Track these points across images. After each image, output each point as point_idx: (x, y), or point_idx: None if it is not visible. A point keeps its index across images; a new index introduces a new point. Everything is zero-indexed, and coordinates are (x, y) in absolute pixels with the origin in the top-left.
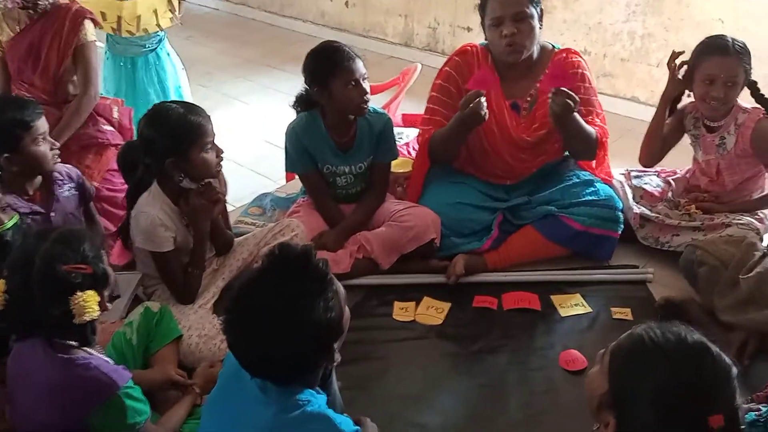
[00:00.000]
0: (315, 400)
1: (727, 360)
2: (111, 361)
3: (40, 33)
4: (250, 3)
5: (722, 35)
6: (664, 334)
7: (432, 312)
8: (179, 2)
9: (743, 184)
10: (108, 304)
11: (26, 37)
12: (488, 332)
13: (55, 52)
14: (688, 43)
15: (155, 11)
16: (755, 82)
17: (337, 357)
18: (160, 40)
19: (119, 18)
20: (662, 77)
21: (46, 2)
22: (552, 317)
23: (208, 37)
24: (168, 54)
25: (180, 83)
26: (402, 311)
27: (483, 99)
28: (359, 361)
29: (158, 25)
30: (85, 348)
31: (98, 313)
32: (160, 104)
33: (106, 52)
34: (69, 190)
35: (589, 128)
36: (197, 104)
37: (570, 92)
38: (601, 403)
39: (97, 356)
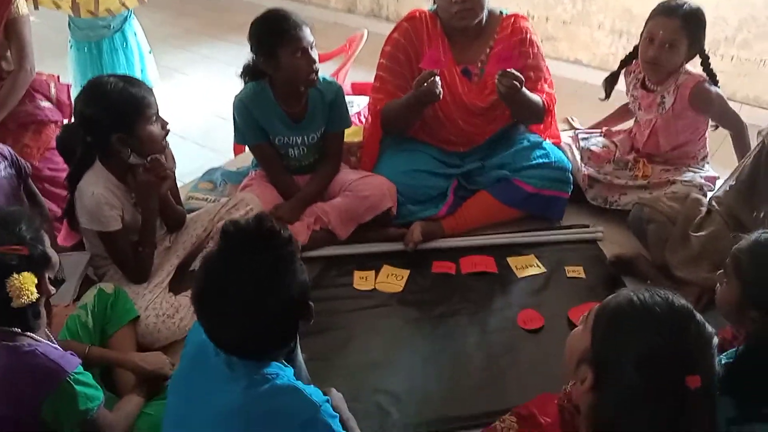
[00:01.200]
0: (283, 372)
1: (710, 327)
2: (59, 348)
3: None
4: None
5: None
6: (652, 296)
7: (392, 279)
8: None
9: (680, 148)
10: (51, 288)
11: None
12: (448, 297)
13: None
14: (629, 5)
15: None
16: (708, 56)
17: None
18: (125, 18)
19: None
20: (603, 39)
21: None
22: (509, 278)
23: (145, 6)
24: (135, 34)
25: (145, 67)
26: (362, 280)
27: (437, 78)
28: (322, 332)
29: (123, 5)
30: (30, 334)
31: (36, 296)
32: (97, 79)
33: (69, 40)
34: (4, 170)
35: (536, 98)
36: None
37: (516, 73)
38: (581, 360)
39: (44, 343)
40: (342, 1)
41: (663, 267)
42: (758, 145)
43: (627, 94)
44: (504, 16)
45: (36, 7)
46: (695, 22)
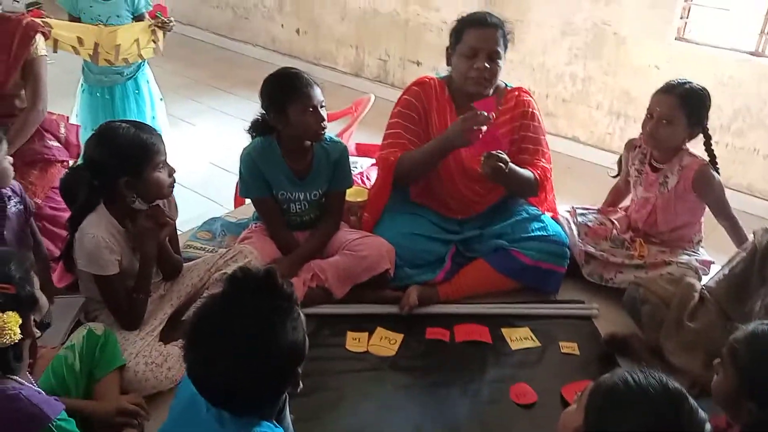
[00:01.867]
0: None
1: (702, 413)
2: (42, 392)
3: None
4: (199, 24)
5: None
6: (647, 378)
7: (385, 343)
8: (163, 34)
9: (677, 230)
10: (36, 330)
11: None
12: (441, 364)
13: (2, 66)
14: (625, 86)
15: (137, 41)
16: (710, 136)
17: (300, 383)
18: (138, 66)
19: (96, 45)
20: (601, 119)
21: None
22: (502, 350)
23: (158, 56)
24: (147, 81)
25: (156, 114)
26: (355, 342)
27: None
28: (312, 392)
29: (140, 56)
30: (14, 377)
31: (19, 337)
32: (109, 123)
33: (81, 85)
34: (15, 206)
35: (526, 174)
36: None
37: (501, 155)
38: None
39: (28, 386)
40: (350, 65)
41: (657, 349)
42: (751, 244)
43: (629, 167)
44: (508, 88)
45: (55, 50)
46: (695, 100)
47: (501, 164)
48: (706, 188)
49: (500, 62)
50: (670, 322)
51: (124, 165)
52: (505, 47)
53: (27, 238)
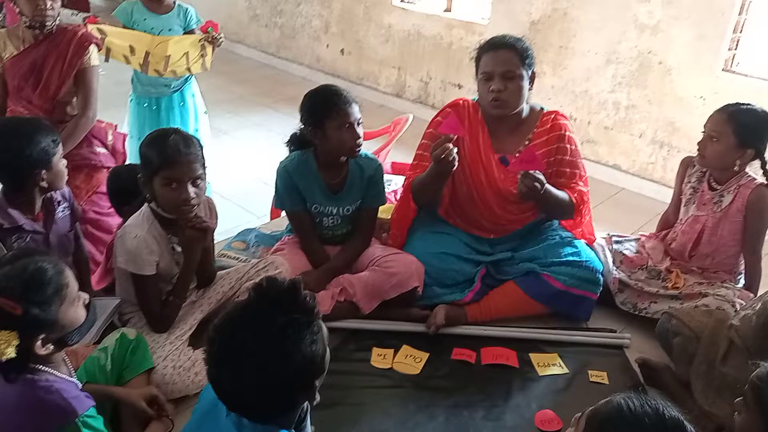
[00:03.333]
0: None
1: None
2: (79, 385)
3: (44, 54)
4: (248, 42)
5: None
6: (643, 405)
7: (410, 361)
8: (212, 49)
9: (716, 259)
10: (43, 349)
11: (29, 56)
12: (465, 386)
13: (57, 74)
14: (670, 116)
15: (186, 54)
16: (766, 161)
17: (317, 396)
18: (186, 80)
19: (147, 54)
20: (644, 148)
21: (53, 24)
22: (529, 375)
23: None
24: (193, 95)
25: (199, 127)
26: (380, 358)
27: (451, 146)
28: (334, 405)
29: (188, 69)
30: (49, 370)
31: (12, 356)
32: (168, 128)
33: (130, 95)
34: (63, 211)
35: (562, 196)
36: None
37: (537, 175)
38: None
39: (65, 379)
40: (391, 86)
41: (688, 384)
42: None
43: (684, 185)
44: (544, 111)
45: (107, 60)
46: (744, 119)
47: (537, 184)
48: (758, 211)
49: (520, 82)
50: (699, 360)
51: (143, 167)
52: (526, 66)
53: (69, 243)
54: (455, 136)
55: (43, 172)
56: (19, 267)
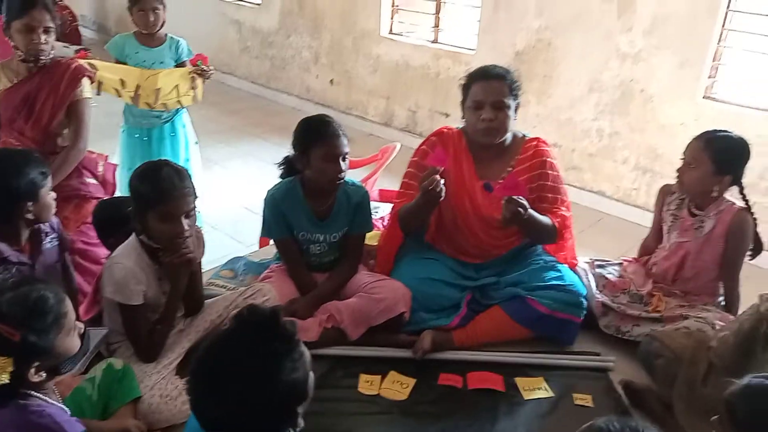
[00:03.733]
0: None
1: None
2: (68, 411)
3: (37, 86)
4: (238, 73)
5: None
6: (623, 428)
7: (397, 387)
8: (202, 81)
9: (698, 283)
10: (36, 376)
11: (22, 89)
12: (452, 412)
13: (49, 106)
14: (652, 143)
15: (177, 87)
16: (743, 187)
17: (300, 423)
18: (177, 111)
19: (138, 87)
20: (627, 174)
21: (47, 58)
22: (515, 399)
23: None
24: (184, 126)
25: (190, 157)
26: (367, 384)
27: (439, 177)
28: None
29: (179, 102)
30: (39, 395)
31: (5, 381)
32: (158, 161)
33: (122, 126)
34: (51, 242)
35: (545, 221)
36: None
37: (521, 201)
38: None
39: (56, 405)
40: (380, 115)
41: (671, 405)
42: (755, 313)
43: (663, 213)
44: (527, 138)
45: (98, 93)
46: (721, 145)
47: (520, 209)
48: (738, 235)
49: (508, 112)
50: (681, 381)
51: (135, 201)
52: (514, 96)
53: (57, 273)
54: (443, 168)
55: (30, 204)
56: (21, 294)
